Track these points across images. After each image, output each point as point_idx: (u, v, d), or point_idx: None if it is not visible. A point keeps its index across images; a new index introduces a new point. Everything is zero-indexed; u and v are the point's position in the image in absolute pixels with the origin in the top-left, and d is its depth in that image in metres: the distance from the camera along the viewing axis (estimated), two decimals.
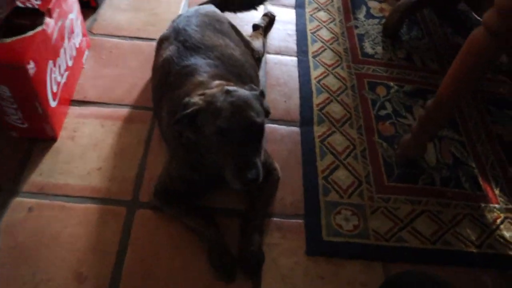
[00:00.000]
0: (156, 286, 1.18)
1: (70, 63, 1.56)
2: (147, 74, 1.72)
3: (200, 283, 1.19)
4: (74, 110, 1.59)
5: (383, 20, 2.18)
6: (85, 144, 1.49)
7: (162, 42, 1.56)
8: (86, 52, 1.77)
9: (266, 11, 2.08)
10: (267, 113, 1.22)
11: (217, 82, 1.26)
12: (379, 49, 2.06)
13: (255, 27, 1.98)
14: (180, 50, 1.43)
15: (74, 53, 1.60)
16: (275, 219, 1.37)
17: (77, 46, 1.64)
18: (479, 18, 2.19)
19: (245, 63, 1.50)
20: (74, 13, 1.60)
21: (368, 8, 2.29)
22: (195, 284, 1.19)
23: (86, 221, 1.29)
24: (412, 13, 2.17)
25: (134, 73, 1.75)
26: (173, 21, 1.62)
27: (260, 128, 1.12)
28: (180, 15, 1.62)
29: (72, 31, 1.57)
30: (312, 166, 1.54)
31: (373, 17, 2.24)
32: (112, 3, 2.08)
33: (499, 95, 1.98)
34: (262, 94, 1.21)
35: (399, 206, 1.47)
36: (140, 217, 1.33)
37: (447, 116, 1.45)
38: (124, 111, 1.61)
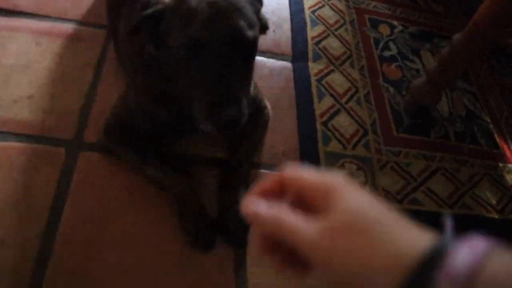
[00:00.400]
0: (102, 254, 0.86)
1: None
2: None
3: (165, 253, 0.89)
4: None
5: None
6: (12, 64, 1.11)
7: None
8: None
9: None
10: (263, 28, 0.90)
11: None
12: None
13: None
14: None
15: None
16: (263, 170, 1.08)
17: None
18: None
19: None
20: None
21: None
22: (158, 254, 0.88)
23: (8, 166, 0.94)
24: None
25: None
26: None
27: (251, 45, 0.80)
28: None
29: None
30: (309, 109, 1.24)
31: None
32: None
33: (508, 48, 1.75)
34: (260, 1, 0.88)
35: (411, 161, 1.22)
36: (84, 161, 0.99)
37: (477, 51, 1.18)
38: (67, 27, 1.22)
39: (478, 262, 0.26)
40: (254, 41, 0.79)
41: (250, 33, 0.77)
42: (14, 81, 1.08)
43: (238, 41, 0.75)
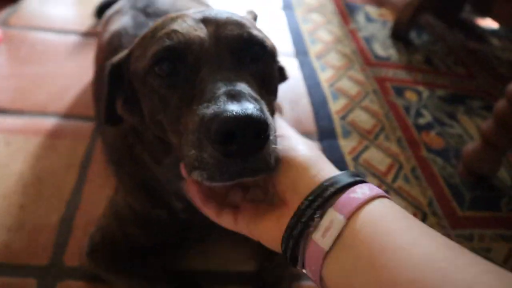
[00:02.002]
0: None
1: None
2: (87, 74, 1.15)
3: None
4: None
5: (387, 24, 1.82)
6: None
7: (110, 18, 1.02)
8: None
9: (249, 10, 1.60)
10: (282, 75, 0.65)
11: None
12: (392, 52, 1.64)
13: None
14: (138, 19, 0.90)
15: None
16: (307, 283, 0.79)
17: None
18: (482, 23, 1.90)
19: None
20: None
21: (366, 13, 1.91)
22: None
23: None
24: (423, 11, 1.79)
25: (68, 72, 1.17)
26: None
27: (262, 46, 0.50)
28: None
29: None
30: None
31: (374, 21, 1.86)
32: None
33: None
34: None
35: (490, 245, 0.95)
36: None
37: None
38: (47, 122, 1.01)
39: (372, 196, 0.37)
40: (265, 42, 0.51)
41: (257, 32, 0.50)
42: None
43: (239, 41, 0.48)
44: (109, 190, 0.82)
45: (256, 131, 0.38)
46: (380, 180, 1.05)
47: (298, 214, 0.39)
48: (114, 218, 0.70)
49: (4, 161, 0.89)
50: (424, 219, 0.98)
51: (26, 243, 0.76)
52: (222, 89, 0.41)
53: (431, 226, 0.91)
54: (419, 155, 1.16)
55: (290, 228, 0.40)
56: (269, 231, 0.43)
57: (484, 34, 1.98)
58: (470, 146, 1.13)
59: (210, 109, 0.39)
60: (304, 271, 0.40)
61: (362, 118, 1.25)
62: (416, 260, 0.31)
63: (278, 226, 0.42)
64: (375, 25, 1.82)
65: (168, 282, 0.71)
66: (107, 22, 1.00)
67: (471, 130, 1.29)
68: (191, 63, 0.46)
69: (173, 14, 0.53)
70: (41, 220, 0.80)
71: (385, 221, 0.35)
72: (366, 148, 1.14)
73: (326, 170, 0.42)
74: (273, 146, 0.42)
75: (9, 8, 1.42)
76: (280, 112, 0.71)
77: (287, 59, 1.45)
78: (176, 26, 0.48)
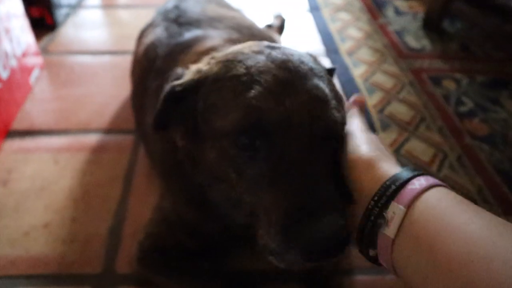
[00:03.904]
0: None
1: None
2: (124, 90, 1.19)
3: None
4: (11, 144, 1.02)
5: (418, 16, 1.78)
6: (25, 190, 0.91)
7: (143, 32, 1.06)
8: (36, 72, 1.24)
9: (277, 14, 1.62)
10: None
11: (249, 42, 0.65)
12: (425, 43, 1.60)
13: (268, 27, 1.50)
14: (171, 29, 0.92)
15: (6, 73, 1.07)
16: (360, 277, 0.77)
17: (16, 65, 1.13)
18: None
19: (274, 39, 0.98)
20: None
21: (395, 7, 1.88)
22: None
23: None
24: None
25: (106, 90, 1.22)
26: (159, 8, 1.12)
27: (340, 131, 0.51)
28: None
29: None
30: None
31: (404, 14, 1.82)
32: (75, 22, 1.61)
33: None
34: (333, 72, 0.65)
35: None
36: None
37: None
38: (90, 138, 1.05)
39: (427, 186, 0.40)
40: (344, 124, 0.52)
41: (339, 115, 0.50)
42: (26, 209, 0.86)
43: (323, 125, 0.48)
44: (154, 198, 0.83)
45: (340, 245, 0.44)
46: (425, 171, 1.01)
47: (367, 214, 0.42)
48: (163, 224, 0.71)
49: (54, 179, 0.93)
50: None
51: (79, 254, 0.79)
52: (308, 196, 0.44)
53: None
54: (463, 143, 1.11)
55: (362, 228, 0.43)
56: None
57: None
58: None
59: (296, 221, 0.43)
60: (381, 264, 0.44)
61: (400, 110, 1.22)
62: (470, 236, 0.34)
63: (352, 225, 0.45)
64: (406, 17, 1.79)
65: (221, 282, 0.71)
66: (141, 36, 1.03)
67: None
68: (276, 142, 0.46)
69: (245, 49, 0.53)
70: (91, 231, 0.83)
71: (440, 206, 0.38)
72: (407, 139, 1.11)
73: (387, 168, 0.44)
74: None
75: (48, 36, 1.49)
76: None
77: None
78: (261, 90, 0.46)
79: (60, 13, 1.55)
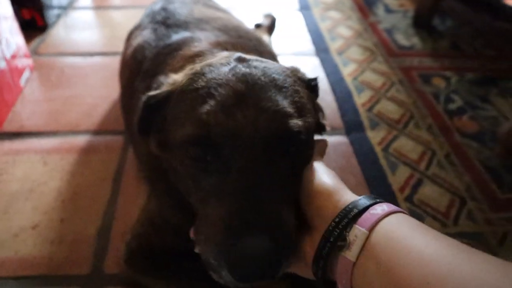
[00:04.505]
0: None
1: None
2: (114, 91, 1.19)
3: None
4: (1, 145, 1.02)
5: (408, 14, 1.80)
6: (14, 191, 0.91)
7: (131, 34, 1.06)
8: (27, 74, 1.24)
9: (266, 13, 1.62)
10: (320, 127, 0.62)
11: (225, 53, 0.67)
12: (416, 41, 1.61)
13: (258, 26, 1.51)
14: (159, 31, 0.92)
15: None
16: None
17: (6, 67, 1.13)
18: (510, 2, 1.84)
19: (261, 40, 0.99)
20: None
21: (385, 4, 1.89)
22: None
23: None
24: None
25: (96, 92, 1.22)
26: (146, 9, 1.12)
27: (298, 140, 0.50)
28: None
29: None
30: (384, 185, 0.97)
31: (394, 11, 1.83)
32: (66, 23, 1.60)
33: None
34: (315, 84, 0.63)
35: None
36: None
37: None
38: (80, 140, 1.05)
39: (390, 211, 0.42)
40: (302, 134, 0.50)
41: (294, 123, 0.48)
42: (16, 210, 0.87)
43: (276, 134, 0.47)
44: (143, 199, 0.84)
45: (268, 268, 0.42)
46: (413, 168, 1.02)
47: (327, 235, 0.42)
48: (149, 225, 0.71)
49: (43, 180, 0.93)
50: (463, 204, 0.94)
51: (68, 255, 0.79)
52: (245, 210, 0.44)
53: (471, 211, 0.89)
54: (452, 141, 1.12)
55: (319, 250, 0.43)
56: (305, 259, 0.46)
57: None
58: (507, 125, 1.09)
59: (229, 238, 0.43)
60: None
61: (389, 108, 1.23)
62: (427, 259, 0.35)
63: (311, 251, 0.45)
64: (396, 15, 1.80)
65: (208, 283, 0.71)
66: (129, 38, 1.04)
67: (506, 111, 1.24)
68: (224, 155, 0.47)
69: (213, 62, 0.54)
70: (80, 232, 0.83)
71: (400, 230, 0.39)
72: (395, 137, 1.12)
73: (348, 196, 0.45)
74: (289, 260, 0.46)
75: (38, 38, 1.49)
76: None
77: (307, 58, 1.45)
78: (213, 105, 0.47)
79: (51, 15, 1.55)
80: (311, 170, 0.51)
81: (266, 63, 0.54)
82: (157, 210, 0.71)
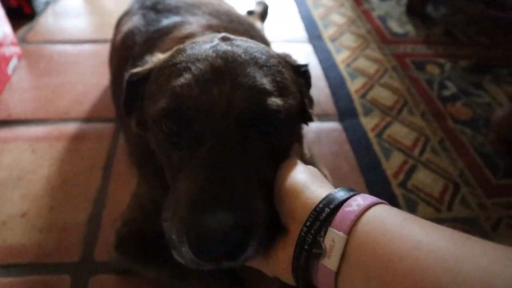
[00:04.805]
0: None
1: None
2: (105, 78, 1.17)
3: None
4: None
5: (402, 1, 1.81)
6: (1, 179, 0.90)
7: (120, 20, 1.04)
8: (14, 62, 1.22)
9: (259, 0, 1.60)
10: (307, 116, 0.57)
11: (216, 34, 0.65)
12: (409, 28, 1.59)
13: (250, 13, 1.49)
14: (148, 16, 0.91)
15: None
16: None
17: None
18: None
19: (253, 25, 0.97)
20: None
21: None
22: None
23: None
24: None
25: (86, 79, 1.20)
26: None
27: (275, 119, 0.47)
28: None
29: None
30: (377, 171, 0.97)
31: None
32: (55, 11, 1.57)
33: None
34: (305, 70, 0.59)
35: None
36: None
37: None
38: (69, 127, 1.03)
39: (366, 206, 0.35)
40: (280, 113, 0.47)
41: (273, 100, 0.46)
42: (3, 198, 0.85)
43: (251, 111, 0.45)
44: (134, 186, 0.82)
45: (231, 247, 0.38)
46: (407, 154, 1.01)
47: (300, 243, 0.37)
48: (139, 210, 0.70)
49: (32, 167, 0.92)
50: (456, 190, 0.94)
51: (57, 242, 0.78)
52: (211, 186, 0.41)
53: (465, 196, 0.88)
54: (446, 127, 1.12)
55: (296, 259, 0.38)
56: (279, 264, 0.41)
57: (505, 1, 1.90)
58: (500, 111, 1.08)
59: (191, 212, 0.39)
60: None
61: (382, 95, 1.22)
62: (424, 264, 0.30)
63: (286, 256, 0.40)
64: (389, 3, 1.78)
65: (201, 271, 0.70)
66: (119, 24, 1.02)
67: (499, 98, 1.24)
68: (196, 130, 0.45)
69: (197, 40, 0.52)
70: (70, 220, 0.82)
71: (384, 229, 0.33)
72: (389, 124, 1.11)
73: (319, 192, 0.39)
74: (257, 246, 0.40)
75: (26, 26, 1.46)
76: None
77: (300, 45, 1.43)
78: (188, 78, 0.46)
79: (39, 2, 1.52)
80: (286, 168, 0.44)
81: (251, 43, 0.52)
82: (146, 193, 0.70)
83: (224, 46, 0.49)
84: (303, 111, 0.55)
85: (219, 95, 0.44)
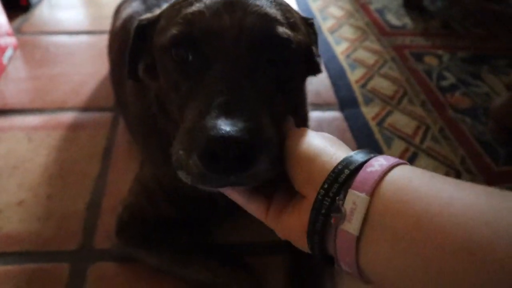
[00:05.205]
0: None
1: None
2: (102, 68, 1.16)
3: None
4: None
5: None
6: None
7: (119, 7, 1.03)
8: (9, 52, 1.20)
9: None
10: (314, 66, 0.56)
11: None
12: (407, 20, 1.59)
13: None
14: (149, 2, 0.90)
15: None
16: None
17: None
18: None
19: None
20: None
21: None
22: None
23: None
24: None
25: (83, 69, 1.18)
26: None
27: (286, 46, 0.47)
28: None
29: None
30: None
31: None
32: (51, 2, 1.56)
33: None
34: (311, 22, 0.57)
35: None
36: (96, 276, 0.70)
37: None
38: (67, 117, 1.01)
39: (390, 165, 0.33)
40: (292, 43, 0.46)
41: (283, 29, 0.46)
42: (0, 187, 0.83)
43: (262, 36, 0.45)
44: (133, 174, 0.81)
45: (241, 154, 0.36)
46: (408, 142, 1.01)
47: (317, 207, 0.35)
48: (142, 193, 0.69)
49: (28, 156, 0.90)
50: (458, 177, 0.93)
51: (56, 231, 0.76)
52: (221, 98, 0.40)
53: None
54: (445, 116, 1.11)
55: (312, 223, 0.35)
56: (293, 229, 0.39)
57: None
58: (498, 101, 1.08)
59: (200, 121, 0.38)
60: (341, 267, 0.35)
61: (382, 85, 1.21)
62: (460, 219, 0.27)
63: (300, 222, 0.38)
64: None
65: (203, 256, 0.69)
66: (118, 11, 1.01)
67: (497, 88, 1.24)
68: (206, 54, 0.44)
69: None
70: (68, 207, 0.80)
71: (412, 187, 0.31)
72: (390, 113, 1.11)
73: (339, 154, 0.37)
74: (268, 163, 0.39)
75: (21, 16, 1.44)
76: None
77: None
78: (200, 7, 0.46)
79: None
80: (298, 135, 0.42)
81: None
82: (150, 173, 0.69)
83: None
84: (310, 59, 0.54)
85: (230, 21, 0.44)
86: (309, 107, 0.72)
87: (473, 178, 0.94)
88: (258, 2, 0.46)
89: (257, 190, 0.44)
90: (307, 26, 0.55)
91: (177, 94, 0.47)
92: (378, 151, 0.97)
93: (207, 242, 0.75)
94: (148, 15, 0.56)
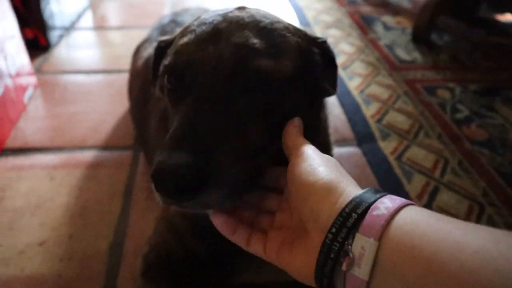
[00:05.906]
0: None
1: None
2: (120, 107, 1.18)
3: None
4: (5, 162, 0.99)
5: (407, 31, 1.83)
6: (19, 207, 0.87)
7: (139, 48, 1.05)
8: (30, 91, 1.22)
9: None
10: (325, 90, 0.56)
11: None
12: (416, 55, 1.62)
13: None
14: None
15: None
16: None
17: (10, 83, 1.11)
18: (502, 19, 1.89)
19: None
20: None
21: (383, 22, 1.91)
22: None
23: None
24: (440, 11, 1.78)
25: (101, 108, 1.20)
26: (154, 24, 1.13)
27: (262, 79, 0.46)
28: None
29: None
30: (400, 193, 0.95)
31: (393, 28, 1.86)
32: (69, 43, 1.60)
33: None
34: (321, 41, 0.55)
35: None
36: None
37: None
38: (87, 155, 1.02)
39: (396, 208, 0.33)
40: (268, 73, 0.46)
41: (262, 60, 0.45)
42: (21, 226, 0.83)
43: (239, 68, 0.45)
44: (155, 213, 0.80)
45: (183, 185, 0.38)
46: (428, 176, 1.00)
47: (324, 251, 0.35)
48: (168, 231, 0.68)
49: (50, 195, 0.90)
50: (482, 210, 0.92)
51: (78, 272, 0.75)
52: (179, 130, 0.43)
53: (491, 216, 0.87)
54: (463, 149, 1.11)
55: (320, 267, 0.36)
56: (298, 267, 0.39)
57: (506, 28, 1.94)
58: None
59: (160, 155, 0.41)
60: None
61: (398, 119, 1.22)
62: (471, 266, 0.27)
63: (307, 262, 0.38)
64: (395, 32, 1.82)
65: None
66: (138, 51, 1.03)
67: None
68: (188, 84, 0.47)
69: (202, 16, 0.52)
70: (90, 248, 0.79)
71: (419, 231, 0.31)
72: (407, 147, 1.11)
73: (347, 192, 0.37)
74: (219, 193, 0.41)
75: (41, 57, 1.48)
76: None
77: None
78: (190, 38, 0.49)
79: (53, 35, 1.55)
80: (301, 158, 0.41)
81: (264, 12, 0.52)
82: (173, 207, 0.68)
83: (236, 13, 0.50)
84: (314, 82, 0.53)
85: (213, 51, 0.46)
86: (332, 137, 0.72)
87: (498, 211, 0.93)
88: (244, 31, 0.47)
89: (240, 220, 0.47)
90: (316, 47, 0.54)
91: (172, 118, 0.51)
92: (399, 186, 0.97)
93: (230, 282, 0.74)
94: (167, 37, 0.60)
